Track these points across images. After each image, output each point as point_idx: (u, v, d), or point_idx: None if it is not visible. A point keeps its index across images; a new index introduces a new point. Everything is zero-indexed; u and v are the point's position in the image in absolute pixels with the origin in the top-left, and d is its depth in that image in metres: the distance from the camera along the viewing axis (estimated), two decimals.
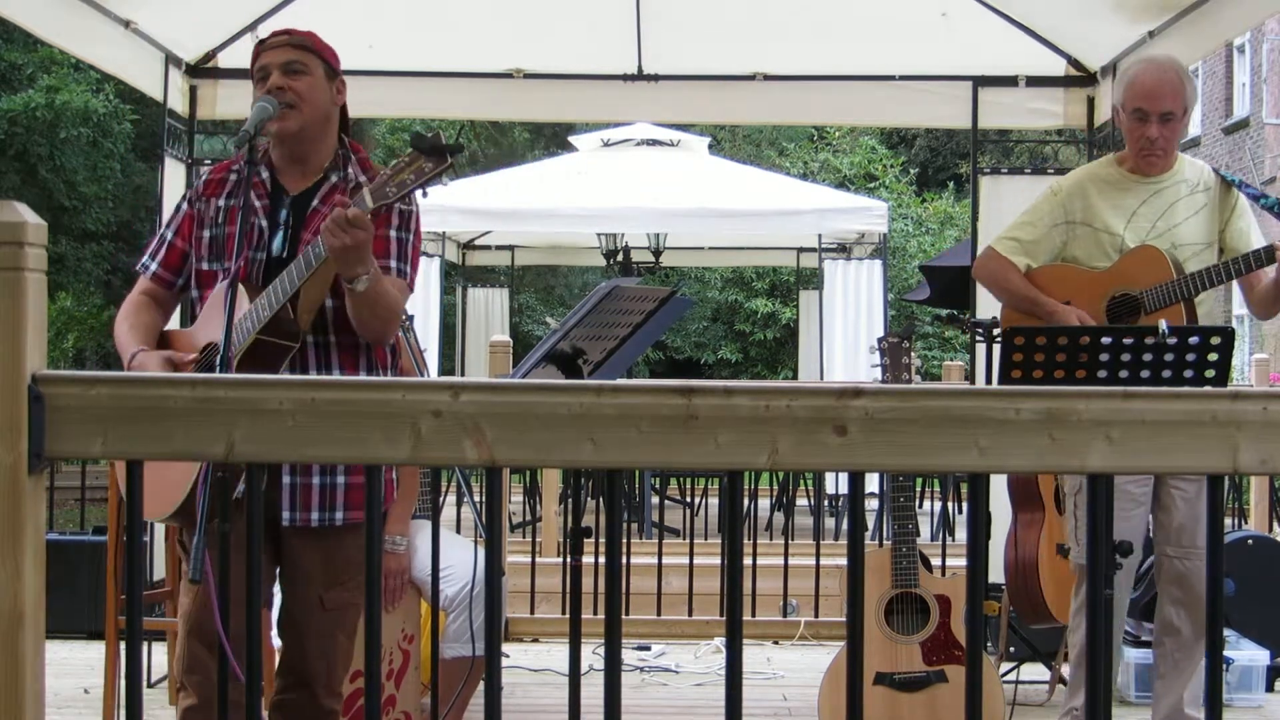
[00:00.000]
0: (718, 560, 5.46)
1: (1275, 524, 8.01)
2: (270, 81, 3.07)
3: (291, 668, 3.14)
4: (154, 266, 3.20)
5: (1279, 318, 4.10)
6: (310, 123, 3.10)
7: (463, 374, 12.24)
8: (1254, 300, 4.07)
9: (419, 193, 2.92)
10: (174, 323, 3.49)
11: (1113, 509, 3.87)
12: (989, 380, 5.15)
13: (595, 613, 5.02)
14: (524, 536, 8.19)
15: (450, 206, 8.92)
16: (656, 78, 6.29)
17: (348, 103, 3.26)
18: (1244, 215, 4.12)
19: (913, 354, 4.40)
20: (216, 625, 2.45)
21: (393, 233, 3.11)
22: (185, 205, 3.21)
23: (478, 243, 12.25)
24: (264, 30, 5.66)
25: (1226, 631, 4.94)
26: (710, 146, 12.98)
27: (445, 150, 2.86)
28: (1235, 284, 4.12)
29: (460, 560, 4.07)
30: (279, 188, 3.14)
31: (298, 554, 3.09)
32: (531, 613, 6.36)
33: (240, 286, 3.00)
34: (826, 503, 9.46)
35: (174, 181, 5.92)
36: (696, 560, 6.22)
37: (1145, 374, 3.59)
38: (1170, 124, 4.01)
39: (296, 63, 3.10)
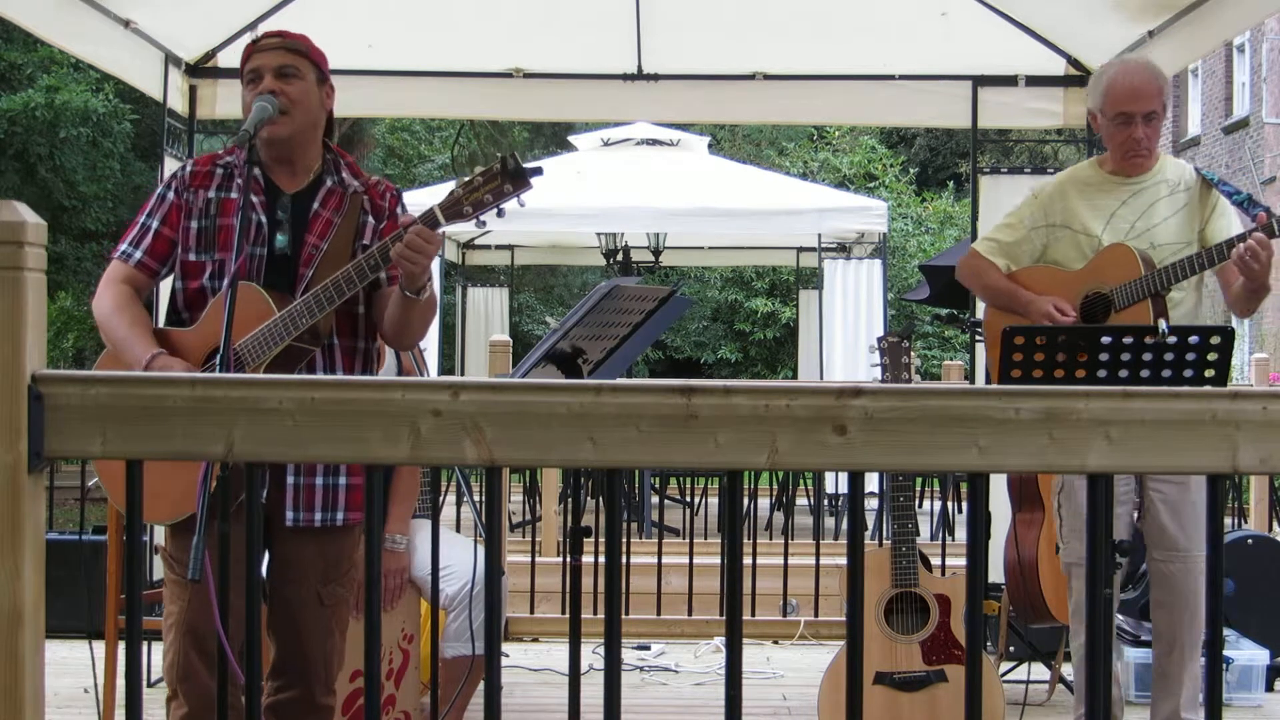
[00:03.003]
0: (717, 560, 5.46)
1: (1275, 524, 8.01)
2: (263, 85, 3.07)
3: (288, 666, 3.14)
4: (138, 255, 3.16)
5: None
6: (300, 128, 3.11)
7: (462, 374, 12.25)
8: (1231, 298, 4.07)
9: (494, 212, 2.95)
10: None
11: (1106, 509, 3.87)
12: (988, 380, 5.14)
13: (595, 612, 5.02)
14: (524, 536, 8.19)
15: None
16: (656, 77, 6.29)
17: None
18: (1225, 215, 4.11)
19: (912, 353, 4.40)
20: (216, 626, 2.45)
21: None
22: (171, 195, 3.16)
23: (477, 242, 12.24)
24: (264, 30, 5.67)
25: (1226, 631, 4.94)
26: (710, 146, 12.97)
27: (528, 174, 2.91)
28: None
29: (460, 559, 4.06)
30: (272, 185, 3.14)
31: (295, 552, 3.10)
32: (531, 612, 6.36)
33: (250, 282, 3.04)
34: (826, 502, 9.45)
35: None
36: (696, 560, 6.22)
37: (1145, 374, 3.59)
38: (1153, 123, 4.03)
39: (290, 67, 3.11)
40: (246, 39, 5.84)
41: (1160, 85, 4.03)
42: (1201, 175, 4.14)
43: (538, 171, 2.92)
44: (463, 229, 10.97)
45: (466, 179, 2.97)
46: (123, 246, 3.18)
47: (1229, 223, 4.11)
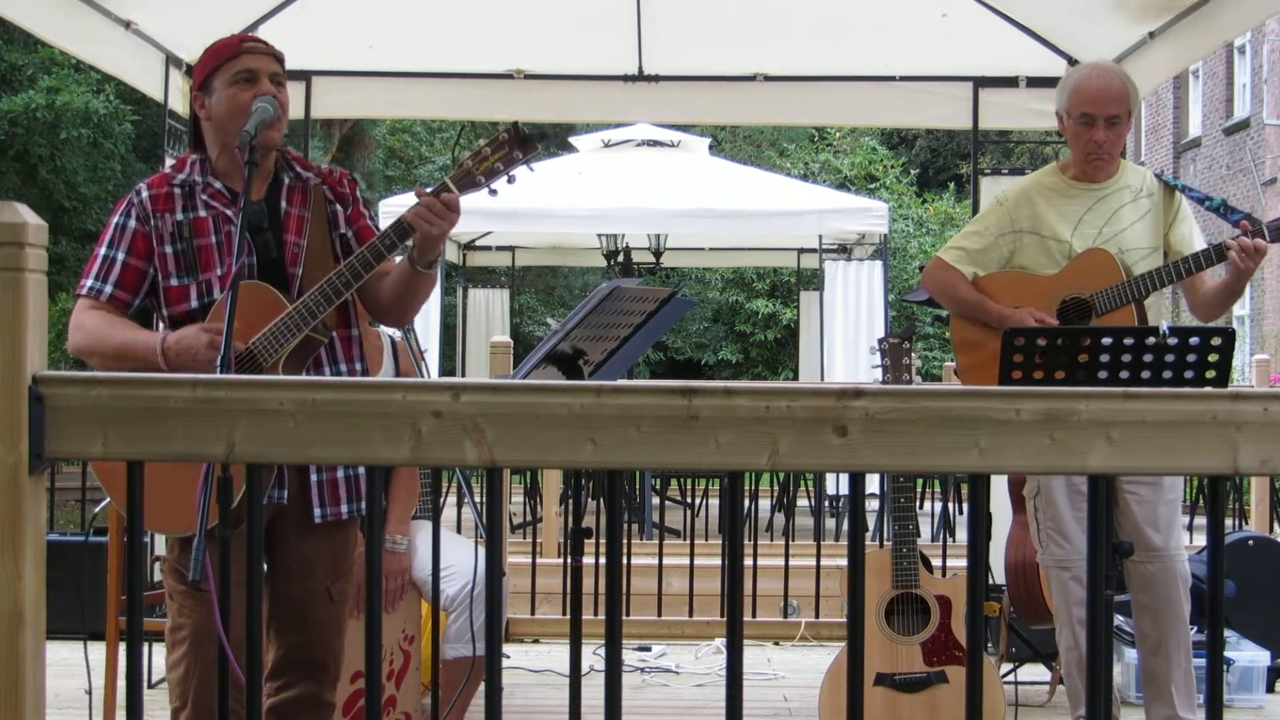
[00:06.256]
0: (718, 561, 5.46)
1: (1275, 524, 8.01)
2: (261, 88, 3.08)
3: (292, 665, 3.13)
4: (109, 289, 3.07)
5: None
6: (281, 136, 3.15)
7: (463, 375, 12.24)
8: (1198, 303, 4.08)
9: (504, 179, 2.98)
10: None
11: (1106, 509, 3.87)
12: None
13: (596, 613, 5.02)
14: (524, 537, 8.19)
15: None
16: (657, 78, 6.30)
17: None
18: (1187, 220, 4.13)
19: (913, 354, 4.42)
20: (217, 626, 2.45)
21: None
22: (133, 223, 3.08)
23: (478, 243, 12.25)
24: (265, 33, 5.66)
25: (1227, 633, 4.94)
26: (710, 147, 12.97)
27: (534, 140, 2.98)
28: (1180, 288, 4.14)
29: (461, 559, 4.06)
30: (235, 195, 3.11)
31: (303, 548, 3.10)
32: (532, 613, 6.36)
33: (257, 281, 3.04)
34: (827, 503, 9.45)
35: None
36: (697, 561, 6.22)
37: (1145, 374, 3.59)
38: (1116, 128, 4.02)
39: (280, 75, 3.15)
40: None
41: (1126, 91, 4.02)
42: (1164, 181, 4.15)
43: (542, 136, 2.97)
44: (463, 230, 11.01)
45: (474, 150, 3.00)
46: (88, 282, 3.07)
47: (1190, 228, 4.13)
